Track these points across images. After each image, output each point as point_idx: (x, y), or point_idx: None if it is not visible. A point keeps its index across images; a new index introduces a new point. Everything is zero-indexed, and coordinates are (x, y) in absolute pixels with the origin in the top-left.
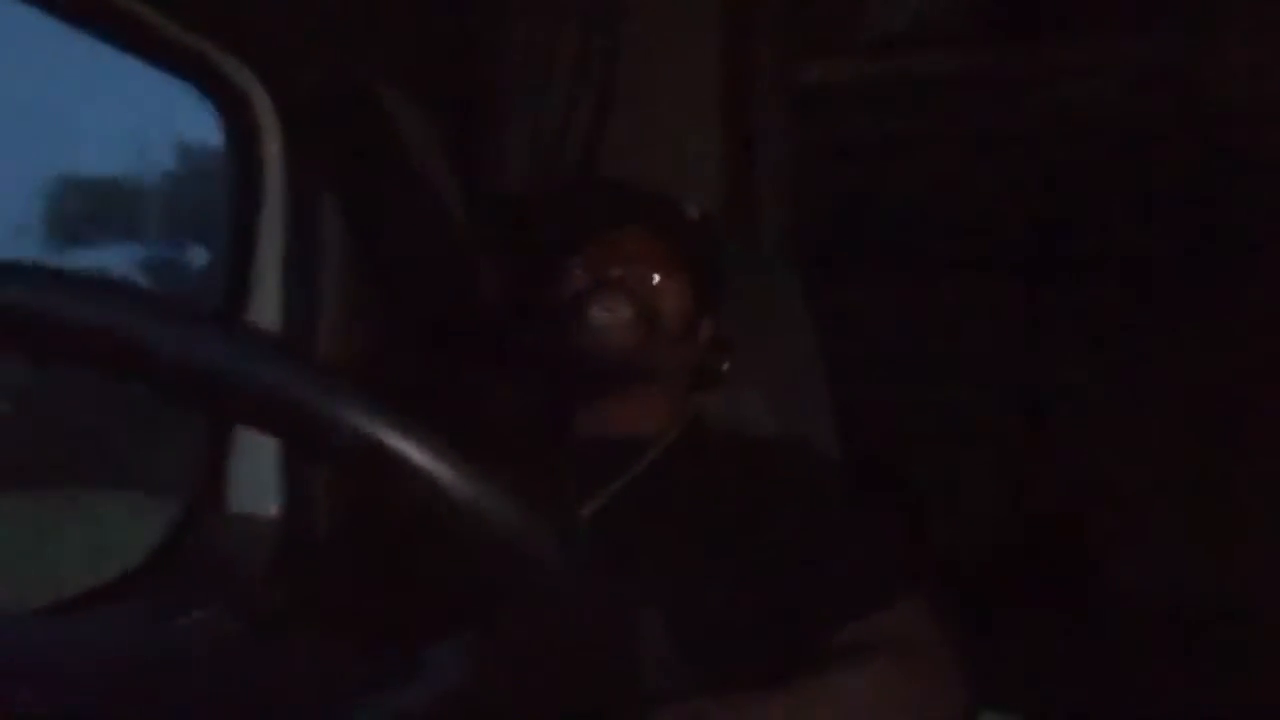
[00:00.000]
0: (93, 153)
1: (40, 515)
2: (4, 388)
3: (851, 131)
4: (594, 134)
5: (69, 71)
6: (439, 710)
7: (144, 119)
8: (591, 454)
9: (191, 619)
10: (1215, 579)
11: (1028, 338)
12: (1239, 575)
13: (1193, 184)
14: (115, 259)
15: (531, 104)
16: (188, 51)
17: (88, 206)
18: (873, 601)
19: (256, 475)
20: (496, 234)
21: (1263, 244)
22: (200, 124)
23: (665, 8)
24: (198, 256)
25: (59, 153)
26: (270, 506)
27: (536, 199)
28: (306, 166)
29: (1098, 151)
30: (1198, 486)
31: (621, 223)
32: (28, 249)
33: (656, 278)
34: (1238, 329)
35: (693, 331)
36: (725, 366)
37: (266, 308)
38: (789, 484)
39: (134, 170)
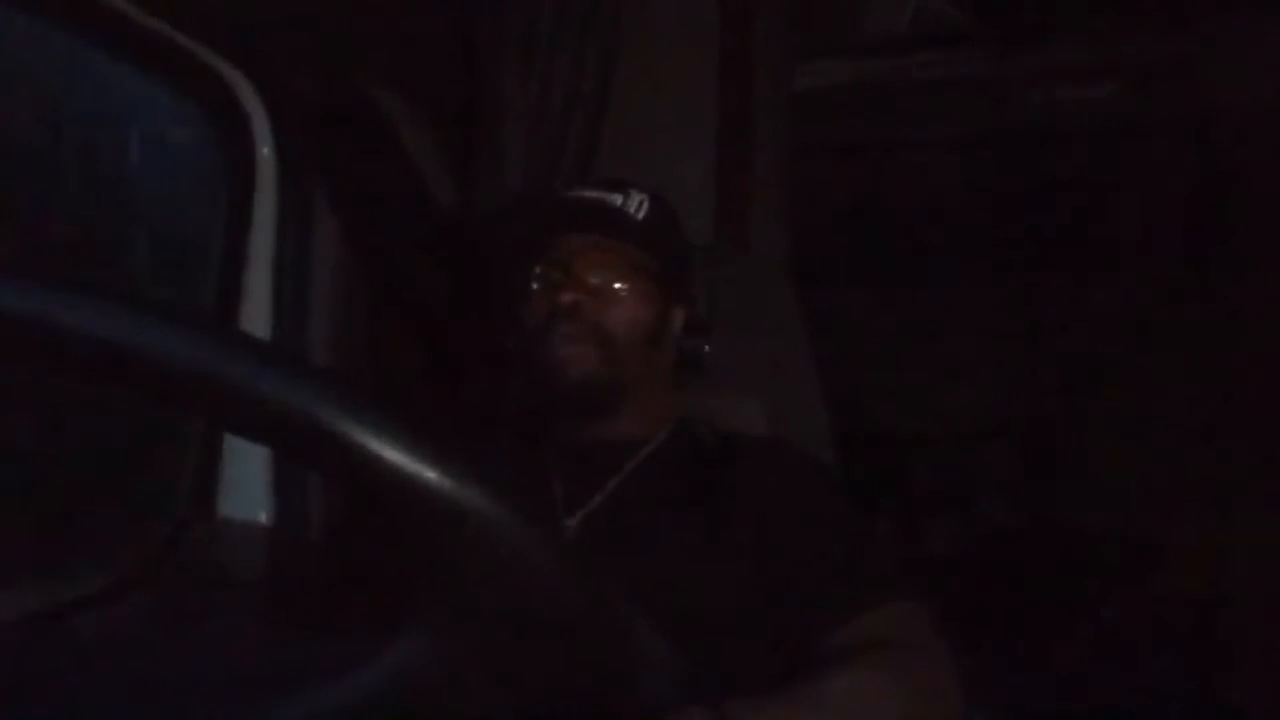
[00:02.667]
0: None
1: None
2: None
3: (850, 133)
4: (591, 134)
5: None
6: (402, 691)
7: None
8: (582, 459)
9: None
10: (1216, 580)
11: (1028, 338)
12: (1240, 576)
13: (1193, 184)
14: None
15: (530, 104)
16: (180, 55)
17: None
18: (868, 603)
19: (247, 482)
20: (472, 246)
21: (1263, 243)
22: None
23: (663, 10)
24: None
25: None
26: (261, 513)
27: (485, 215)
28: (299, 170)
29: (1097, 152)
30: (1199, 486)
31: (569, 232)
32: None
33: (615, 286)
34: (1238, 327)
35: (664, 327)
36: (705, 349)
37: (258, 311)
38: (784, 486)
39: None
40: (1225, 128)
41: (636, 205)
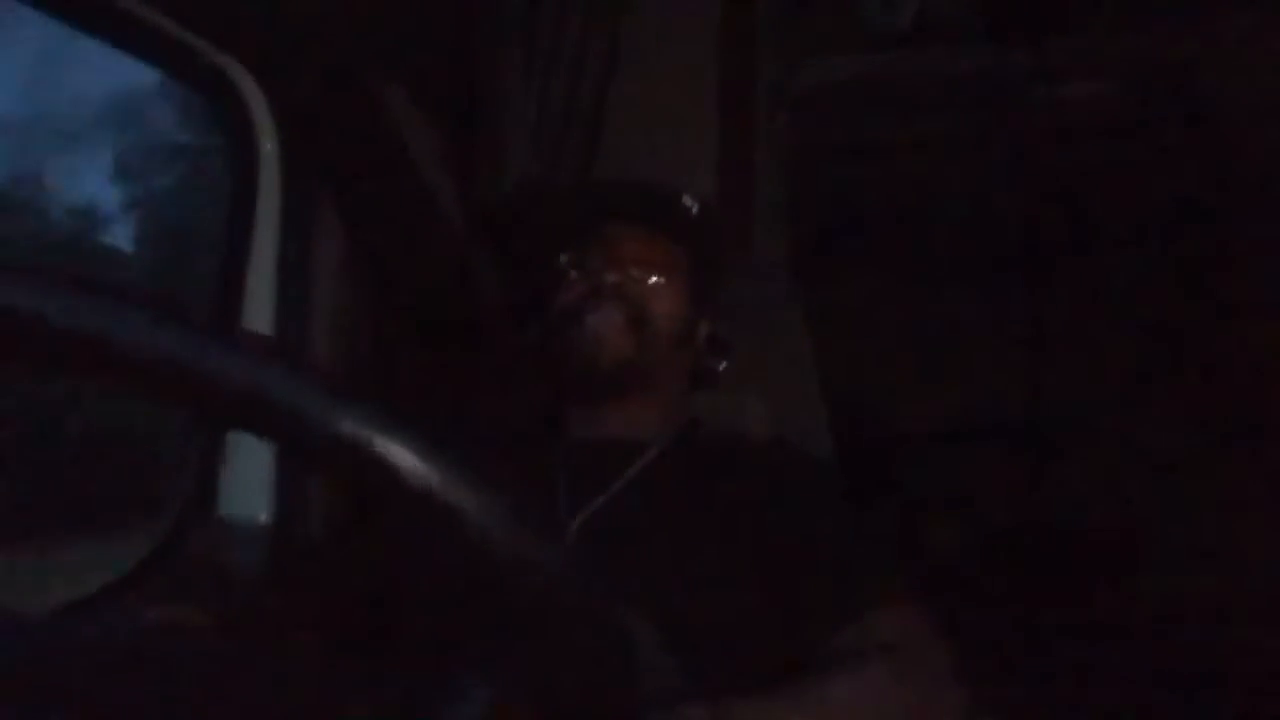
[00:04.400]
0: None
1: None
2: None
3: (851, 133)
4: (592, 134)
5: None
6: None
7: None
8: (588, 457)
9: (182, 621)
10: (1217, 581)
11: (1028, 338)
12: (1241, 577)
13: (1193, 184)
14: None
15: (531, 104)
16: (184, 50)
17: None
18: (869, 605)
19: (248, 481)
20: (495, 234)
21: (1263, 243)
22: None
23: (663, 10)
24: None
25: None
26: (262, 512)
27: (534, 198)
28: (302, 166)
29: (1098, 151)
30: (1200, 487)
31: (621, 218)
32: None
33: (653, 279)
34: (1238, 327)
35: (690, 333)
36: (722, 367)
37: (260, 308)
38: (784, 487)
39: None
40: (1225, 128)
41: (691, 206)
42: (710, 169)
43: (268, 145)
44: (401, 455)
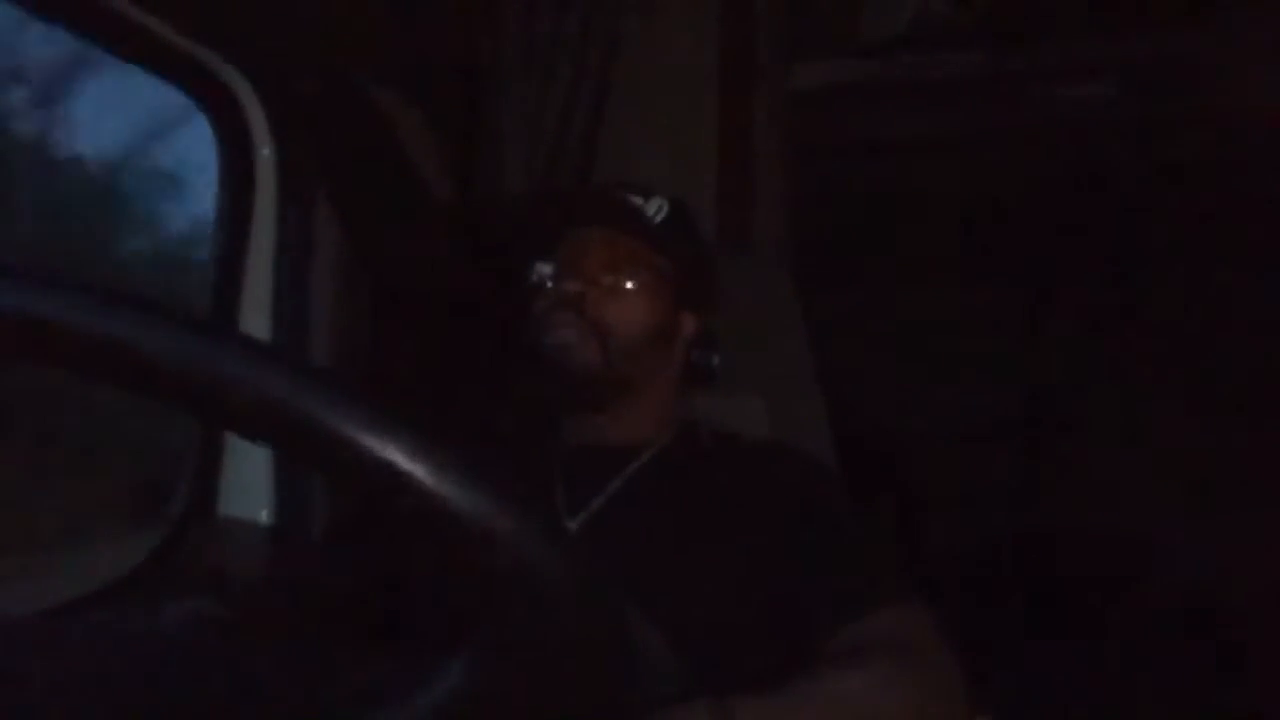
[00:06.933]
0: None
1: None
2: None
3: (850, 133)
4: (591, 134)
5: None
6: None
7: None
8: (586, 458)
9: (182, 616)
10: (1215, 582)
11: (1028, 337)
12: (1240, 576)
13: (1192, 184)
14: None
15: (530, 104)
16: (179, 55)
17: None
18: (869, 604)
19: (248, 481)
20: (492, 236)
21: (1263, 243)
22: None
23: (664, 11)
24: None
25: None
26: (262, 512)
27: (503, 204)
28: (299, 170)
29: (1097, 151)
30: (1198, 488)
31: (584, 224)
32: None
33: (627, 283)
34: (1238, 327)
35: (672, 330)
36: (715, 361)
37: (258, 310)
38: (784, 488)
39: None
40: (1225, 128)
41: (656, 208)
42: (710, 169)
43: (264, 148)
44: (404, 456)
